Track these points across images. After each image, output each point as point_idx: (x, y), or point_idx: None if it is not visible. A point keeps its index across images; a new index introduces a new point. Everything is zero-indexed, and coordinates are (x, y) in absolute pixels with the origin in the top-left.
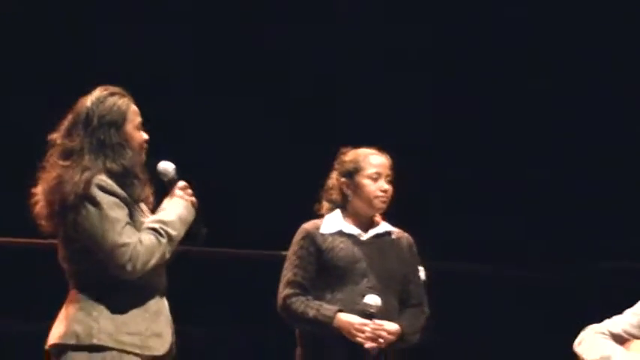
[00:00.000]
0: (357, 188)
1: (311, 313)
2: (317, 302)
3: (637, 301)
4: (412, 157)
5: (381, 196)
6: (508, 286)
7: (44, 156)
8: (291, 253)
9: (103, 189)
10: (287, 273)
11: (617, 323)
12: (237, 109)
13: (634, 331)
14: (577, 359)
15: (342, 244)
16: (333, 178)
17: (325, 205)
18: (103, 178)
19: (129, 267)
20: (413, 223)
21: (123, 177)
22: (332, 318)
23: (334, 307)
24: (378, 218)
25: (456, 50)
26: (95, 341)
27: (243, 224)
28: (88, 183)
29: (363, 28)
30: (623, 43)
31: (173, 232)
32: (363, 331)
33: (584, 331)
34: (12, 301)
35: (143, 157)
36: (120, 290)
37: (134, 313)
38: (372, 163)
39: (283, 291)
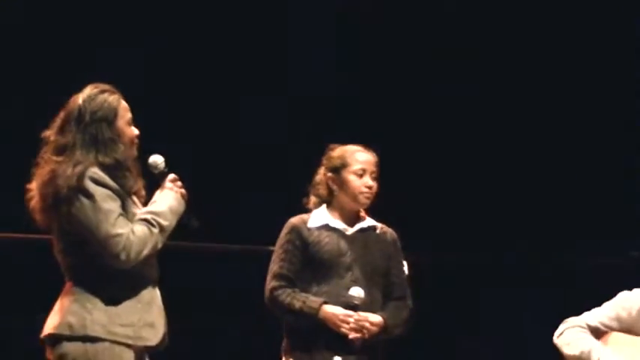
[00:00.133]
0: (343, 183)
1: (297, 304)
2: (303, 294)
3: (616, 295)
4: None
5: (366, 192)
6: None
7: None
8: (278, 247)
9: (96, 181)
10: (274, 266)
11: (596, 316)
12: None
13: (611, 323)
14: (558, 350)
15: (327, 238)
16: (321, 174)
17: (312, 199)
18: (96, 171)
19: (122, 256)
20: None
21: (115, 170)
22: (317, 310)
23: (320, 299)
24: (362, 213)
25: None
26: (88, 332)
27: (232, 220)
28: (80, 175)
29: None
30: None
31: (164, 223)
32: (347, 323)
33: (563, 324)
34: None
35: (134, 151)
36: (113, 282)
37: (127, 305)
38: (358, 160)
39: (270, 283)
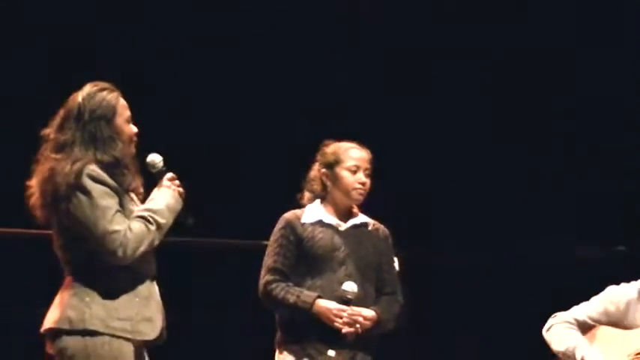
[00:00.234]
0: (336, 179)
1: (291, 298)
2: (297, 288)
3: (604, 290)
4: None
5: (359, 188)
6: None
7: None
8: (272, 242)
9: (94, 178)
10: (268, 260)
11: (584, 310)
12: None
13: (599, 317)
14: (546, 344)
15: (321, 233)
16: (315, 170)
17: (306, 195)
18: (94, 168)
19: (119, 253)
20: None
21: (113, 167)
22: (311, 304)
23: (314, 294)
24: (355, 210)
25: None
26: (87, 326)
27: (227, 215)
28: (79, 173)
29: None
30: None
31: (162, 220)
32: (340, 317)
33: (552, 318)
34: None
35: (133, 149)
36: (111, 277)
37: (125, 299)
38: (352, 157)
39: (264, 277)
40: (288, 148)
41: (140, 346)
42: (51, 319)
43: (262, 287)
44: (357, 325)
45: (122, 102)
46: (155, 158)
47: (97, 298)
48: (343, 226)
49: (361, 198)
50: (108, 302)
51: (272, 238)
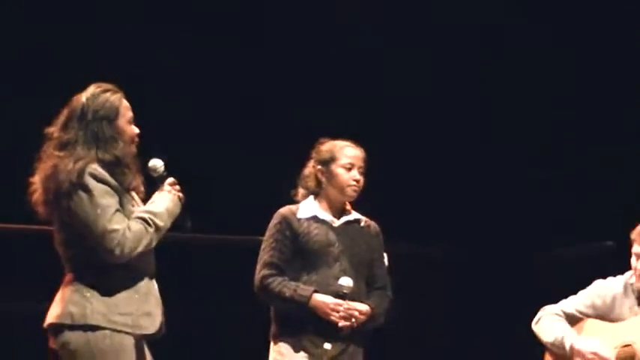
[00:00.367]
0: (331, 176)
1: (288, 293)
2: (293, 283)
3: (590, 284)
4: None
5: (353, 186)
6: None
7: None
8: (268, 237)
9: (95, 177)
10: (264, 255)
11: (572, 304)
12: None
13: (586, 310)
14: (535, 336)
15: (316, 229)
16: (310, 166)
17: (300, 191)
18: (96, 167)
19: (117, 251)
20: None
21: (114, 166)
22: (308, 298)
23: (310, 288)
24: (348, 207)
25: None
26: (89, 321)
27: (221, 210)
28: (81, 171)
29: None
30: None
31: (160, 223)
32: (337, 311)
33: (541, 311)
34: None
35: (134, 149)
36: (112, 273)
37: (125, 295)
38: (347, 155)
39: (261, 272)
40: (280, 145)
41: (140, 340)
42: (53, 314)
43: (259, 281)
44: (353, 320)
45: (125, 103)
46: (157, 163)
47: (98, 294)
48: (337, 223)
49: (355, 195)
50: (108, 298)
51: (268, 233)
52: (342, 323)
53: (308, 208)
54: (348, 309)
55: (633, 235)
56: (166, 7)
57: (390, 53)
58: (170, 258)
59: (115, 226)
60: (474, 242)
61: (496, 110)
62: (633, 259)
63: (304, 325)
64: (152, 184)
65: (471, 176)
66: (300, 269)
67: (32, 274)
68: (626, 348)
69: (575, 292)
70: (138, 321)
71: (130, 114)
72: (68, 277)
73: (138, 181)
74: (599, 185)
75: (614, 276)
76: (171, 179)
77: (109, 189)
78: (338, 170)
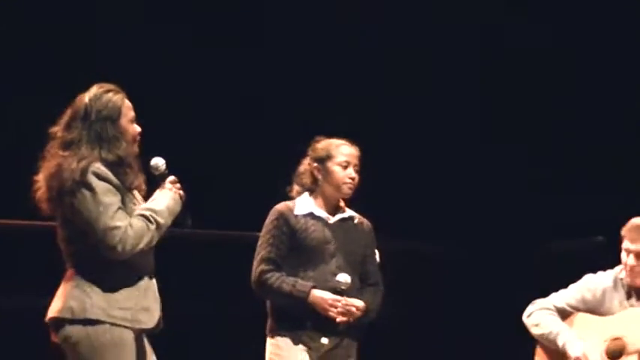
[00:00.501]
0: (328, 174)
1: (287, 288)
2: (292, 278)
3: (581, 278)
4: None
5: (349, 183)
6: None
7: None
8: (265, 233)
9: (98, 176)
10: (261, 251)
11: (562, 298)
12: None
13: (577, 304)
14: (526, 329)
15: (313, 226)
16: (305, 164)
17: (295, 188)
18: (99, 166)
19: (119, 248)
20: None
21: (117, 166)
22: (307, 293)
23: (309, 284)
24: (342, 204)
25: None
26: (89, 315)
27: (217, 207)
28: (84, 170)
29: None
30: None
31: (161, 220)
32: (335, 307)
33: (532, 305)
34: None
35: (136, 148)
36: (112, 270)
37: (124, 291)
38: (343, 153)
39: (258, 267)
40: (279, 145)
41: (139, 334)
42: (54, 308)
43: (257, 277)
44: (350, 315)
45: (127, 103)
46: (158, 162)
47: (98, 289)
48: (332, 220)
49: (350, 192)
50: (108, 294)
51: (265, 229)
52: (340, 318)
53: (304, 204)
54: (346, 305)
55: (624, 231)
56: (166, 7)
57: (389, 53)
58: (169, 254)
59: (117, 223)
60: (474, 241)
61: (496, 110)
62: (623, 255)
63: (302, 320)
64: (153, 182)
65: (470, 176)
66: (297, 265)
67: (35, 270)
68: (615, 341)
69: (565, 286)
70: (137, 316)
71: (131, 113)
72: (69, 272)
73: (140, 180)
74: (599, 185)
75: (604, 270)
76: (172, 177)
77: (111, 187)
78: (334, 168)
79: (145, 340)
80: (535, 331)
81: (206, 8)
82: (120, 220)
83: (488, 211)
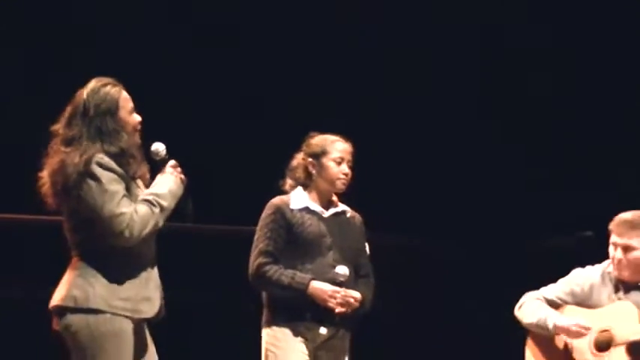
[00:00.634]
0: (322, 169)
1: (286, 280)
2: (290, 270)
3: (569, 272)
4: None
5: (343, 179)
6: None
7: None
8: (262, 226)
9: (102, 166)
10: (259, 244)
11: (552, 291)
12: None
13: (566, 297)
14: (518, 322)
15: (309, 220)
16: (299, 158)
17: (288, 182)
18: (102, 157)
19: (126, 234)
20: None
21: (120, 157)
22: (306, 285)
23: (307, 276)
24: (335, 198)
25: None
26: (91, 305)
27: (214, 202)
28: (88, 161)
29: None
30: None
31: (165, 204)
32: (335, 298)
33: (523, 297)
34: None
35: (137, 138)
36: (115, 259)
37: (126, 280)
38: (338, 149)
39: (257, 260)
40: (280, 144)
41: (140, 323)
42: (57, 297)
43: (255, 269)
44: (349, 306)
45: (124, 95)
46: (159, 147)
47: (101, 279)
48: (326, 214)
49: (344, 187)
50: (111, 283)
51: (261, 223)
52: (339, 309)
53: (299, 199)
54: (345, 296)
55: (611, 225)
56: (166, 7)
57: (389, 53)
58: (170, 246)
59: (123, 210)
60: (473, 240)
61: (496, 110)
62: (611, 249)
63: (301, 311)
64: (155, 168)
65: (470, 176)
66: (294, 258)
67: (40, 262)
68: (603, 333)
69: (554, 281)
70: (137, 305)
71: (130, 105)
72: (73, 261)
73: (143, 170)
74: (599, 185)
75: (593, 265)
76: (172, 162)
77: (115, 176)
78: (329, 163)
79: (146, 330)
80: (527, 320)
81: (206, 8)
82: (125, 207)
83: (488, 211)
